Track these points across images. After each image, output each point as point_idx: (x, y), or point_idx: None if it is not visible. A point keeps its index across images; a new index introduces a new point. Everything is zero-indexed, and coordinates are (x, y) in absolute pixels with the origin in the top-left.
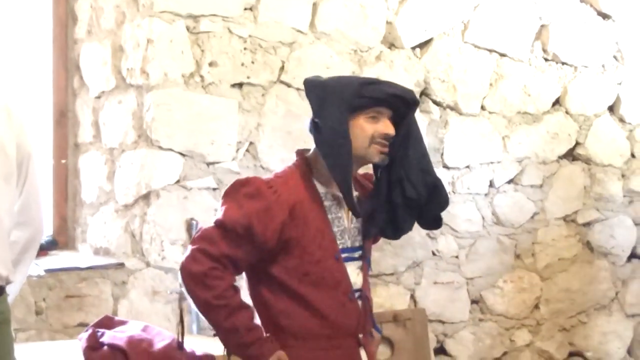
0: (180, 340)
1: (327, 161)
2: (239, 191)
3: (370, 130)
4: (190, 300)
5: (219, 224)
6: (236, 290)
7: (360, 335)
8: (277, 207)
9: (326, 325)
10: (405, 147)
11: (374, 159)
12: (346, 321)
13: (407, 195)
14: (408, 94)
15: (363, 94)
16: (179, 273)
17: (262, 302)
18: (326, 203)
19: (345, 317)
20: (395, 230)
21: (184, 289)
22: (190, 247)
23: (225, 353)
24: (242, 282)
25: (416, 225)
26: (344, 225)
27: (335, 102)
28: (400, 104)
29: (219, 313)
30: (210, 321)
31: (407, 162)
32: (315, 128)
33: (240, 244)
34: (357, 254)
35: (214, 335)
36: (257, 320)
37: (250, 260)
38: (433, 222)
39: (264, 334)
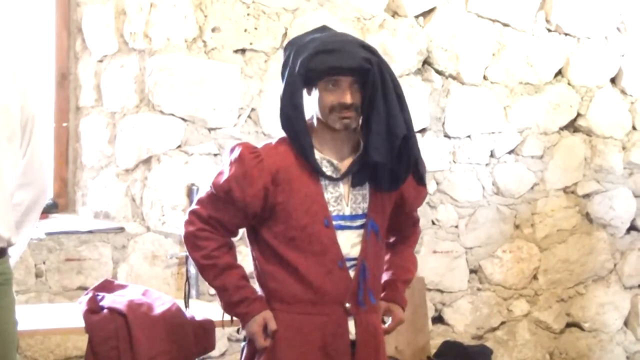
0: (185, 301)
1: (285, 130)
2: (228, 156)
3: (328, 100)
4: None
5: (210, 188)
6: (227, 250)
7: (348, 305)
8: (257, 173)
9: (311, 291)
10: (370, 111)
11: (335, 125)
12: (333, 289)
13: (371, 160)
14: (348, 64)
15: (312, 66)
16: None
17: (255, 264)
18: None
19: (331, 284)
20: (378, 185)
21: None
22: (189, 219)
23: (223, 317)
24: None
25: None
26: (340, 191)
27: (289, 75)
28: (360, 69)
29: (209, 272)
30: (205, 280)
31: (368, 127)
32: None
33: (224, 207)
34: (358, 222)
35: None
36: (255, 283)
37: (240, 223)
38: (416, 179)
39: (254, 294)
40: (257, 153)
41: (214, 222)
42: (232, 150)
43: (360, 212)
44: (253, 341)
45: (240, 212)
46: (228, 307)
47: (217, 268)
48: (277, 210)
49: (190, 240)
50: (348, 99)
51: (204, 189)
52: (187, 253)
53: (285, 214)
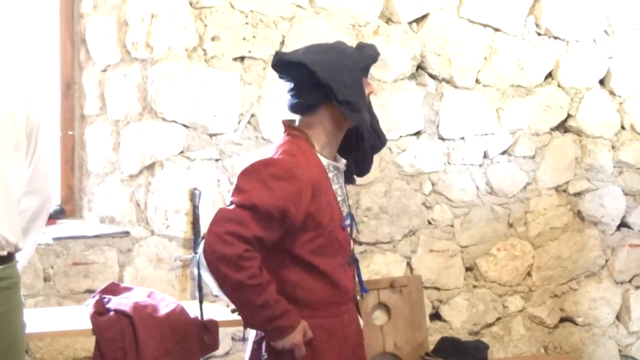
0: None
1: (368, 135)
2: (264, 172)
3: (366, 94)
4: (210, 280)
5: (249, 206)
6: (262, 266)
7: (359, 298)
8: (306, 188)
9: (337, 292)
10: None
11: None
12: (348, 286)
13: (381, 144)
14: (379, 52)
15: (363, 63)
16: (201, 256)
17: (274, 276)
18: (330, 175)
19: (347, 282)
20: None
21: (206, 270)
22: (215, 230)
23: (244, 334)
24: None
25: (412, 195)
26: (345, 193)
27: (354, 79)
28: None
29: (253, 292)
30: (239, 300)
31: (373, 114)
32: (346, 108)
33: (272, 226)
34: (349, 220)
35: (232, 310)
36: None
37: (276, 239)
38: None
39: (289, 305)
40: (300, 168)
41: (255, 242)
42: (267, 165)
43: (349, 209)
44: (281, 352)
45: (282, 229)
46: (266, 322)
47: (261, 286)
48: (307, 220)
49: (233, 261)
50: (374, 88)
51: (228, 207)
52: (214, 273)
53: (315, 223)
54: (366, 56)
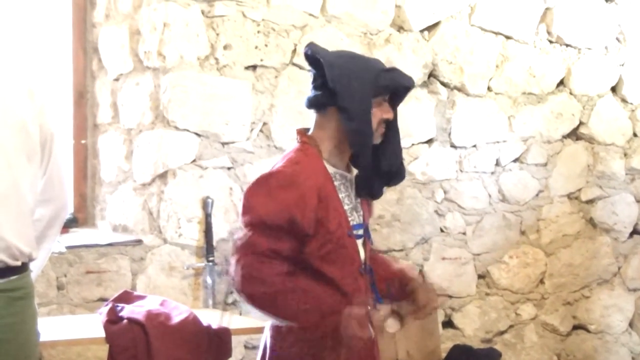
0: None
1: (356, 148)
2: (266, 184)
3: (379, 116)
4: (259, 314)
5: (257, 223)
6: (291, 273)
7: (369, 308)
8: (310, 193)
9: (345, 301)
10: (395, 128)
11: (376, 140)
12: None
13: (399, 175)
14: (412, 84)
15: (381, 82)
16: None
17: None
18: (336, 183)
19: (358, 291)
20: (371, 195)
21: (243, 298)
22: (237, 264)
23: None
24: None
25: (424, 203)
26: (353, 203)
27: (362, 90)
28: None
29: (288, 299)
30: (280, 310)
31: (396, 141)
32: (343, 114)
33: (283, 236)
34: (361, 230)
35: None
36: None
37: (292, 249)
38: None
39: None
40: (303, 173)
41: (270, 253)
42: (270, 177)
43: (361, 220)
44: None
45: (295, 238)
46: (317, 325)
47: (294, 292)
48: (317, 227)
49: (248, 275)
50: (392, 115)
51: (241, 235)
52: (248, 303)
53: (324, 229)
54: (387, 77)
